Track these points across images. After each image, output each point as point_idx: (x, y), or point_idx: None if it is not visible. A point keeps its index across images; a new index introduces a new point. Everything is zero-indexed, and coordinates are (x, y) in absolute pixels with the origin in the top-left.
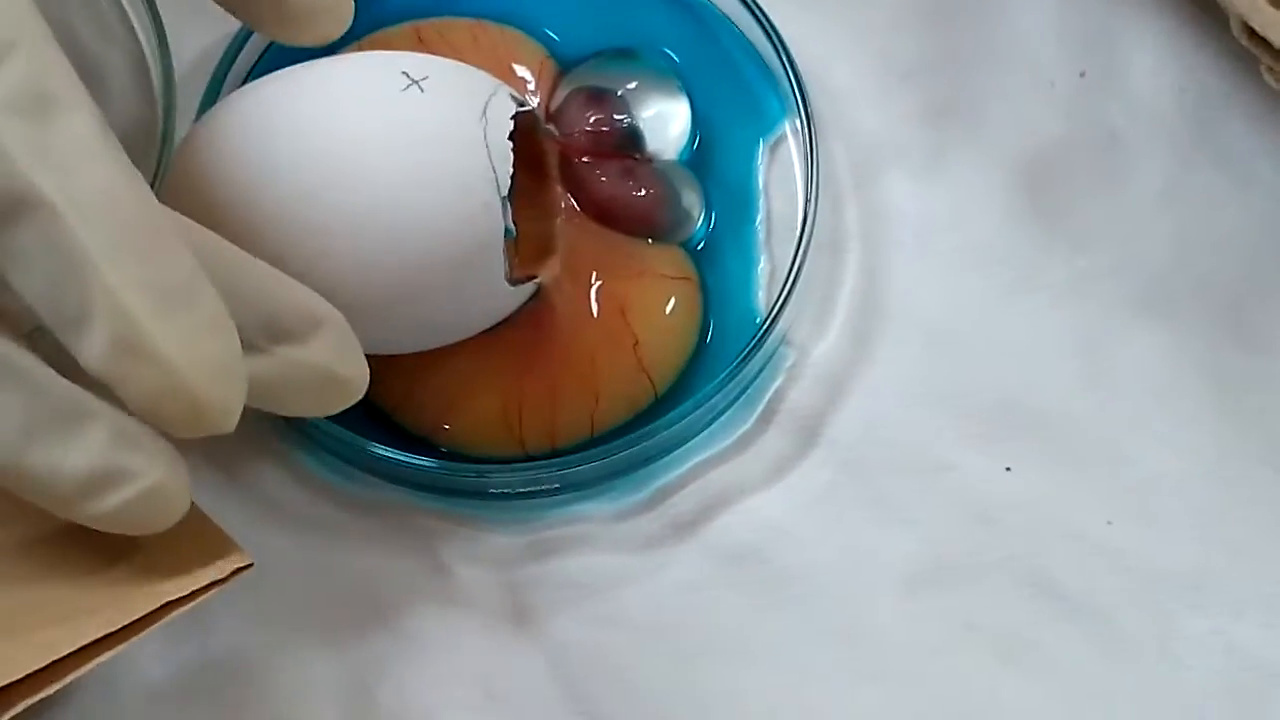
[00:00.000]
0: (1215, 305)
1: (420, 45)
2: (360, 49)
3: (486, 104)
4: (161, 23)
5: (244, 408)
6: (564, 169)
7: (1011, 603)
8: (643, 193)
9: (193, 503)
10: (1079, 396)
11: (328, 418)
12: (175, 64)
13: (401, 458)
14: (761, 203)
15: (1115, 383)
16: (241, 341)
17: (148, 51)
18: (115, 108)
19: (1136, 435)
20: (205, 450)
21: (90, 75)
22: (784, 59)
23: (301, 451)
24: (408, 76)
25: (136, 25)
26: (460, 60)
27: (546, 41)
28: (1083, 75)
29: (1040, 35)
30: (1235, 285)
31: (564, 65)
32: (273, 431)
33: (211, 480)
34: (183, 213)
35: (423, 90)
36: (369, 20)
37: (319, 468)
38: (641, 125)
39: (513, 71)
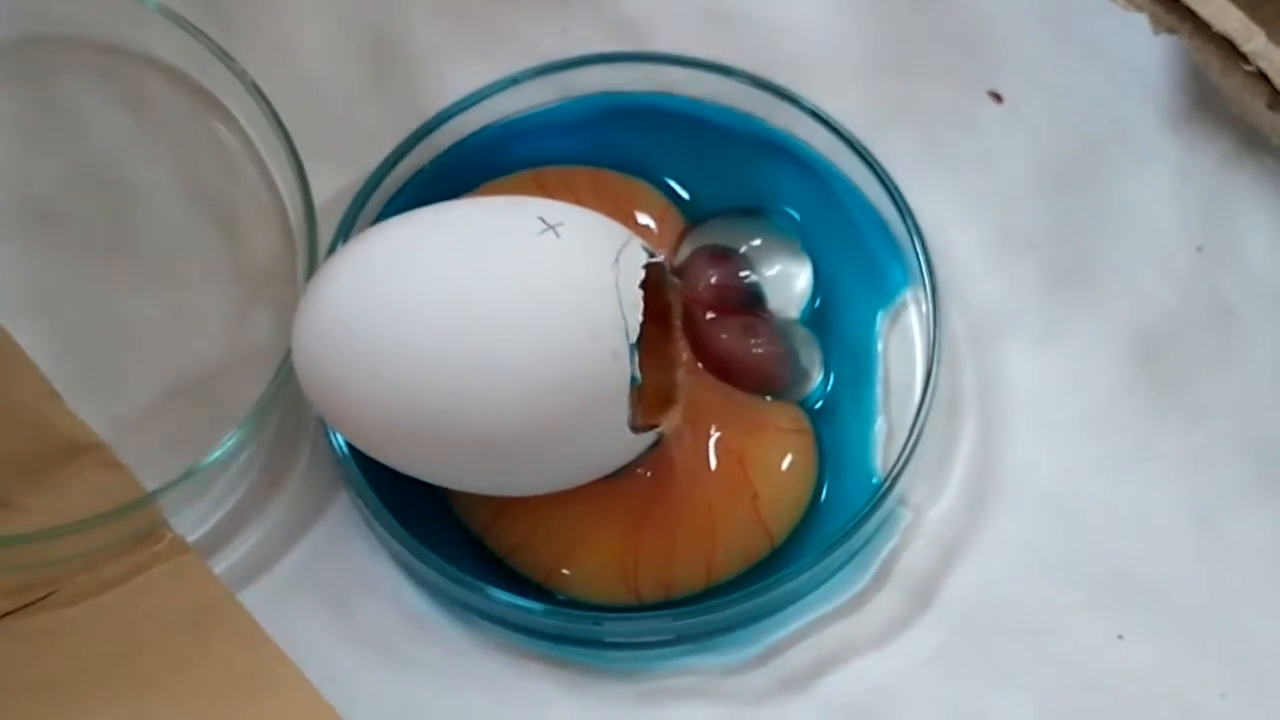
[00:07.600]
0: None
1: (541, 191)
2: (482, 194)
3: (620, 252)
4: (301, 161)
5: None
6: (686, 322)
7: None
8: (762, 350)
9: (299, 672)
10: (1193, 567)
11: (445, 559)
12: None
13: (522, 604)
14: (880, 364)
15: (1230, 555)
16: None
17: (284, 190)
18: (250, 245)
19: (1251, 608)
20: (316, 588)
21: (223, 215)
22: (911, 228)
23: (414, 592)
24: (543, 221)
25: (272, 166)
26: (582, 207)
27: (670, 194)
28: (1199, 249)
29: (1158, 209)
30: None
31: (687, 217)
32: (386, 571)
33: (322, 618)
34: (313, 346)
35: (558, 235)
36: (491, 166)
37: (431, 610)
38: (764, 283)
39: (635, 220)
